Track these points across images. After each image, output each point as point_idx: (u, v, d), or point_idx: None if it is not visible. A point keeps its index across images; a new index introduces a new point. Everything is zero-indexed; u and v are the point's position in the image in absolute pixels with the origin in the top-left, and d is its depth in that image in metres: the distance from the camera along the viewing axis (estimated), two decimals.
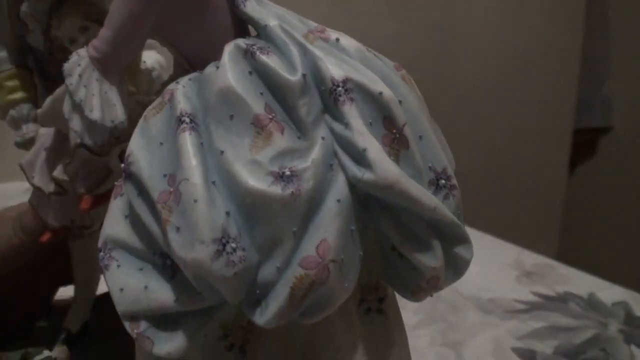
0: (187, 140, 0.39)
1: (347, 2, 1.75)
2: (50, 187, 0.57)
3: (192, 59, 0.46)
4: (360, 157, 0.39)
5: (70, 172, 0.55)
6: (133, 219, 0.41)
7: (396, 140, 0.40)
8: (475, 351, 0.86)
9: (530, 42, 2.12)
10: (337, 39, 0.44)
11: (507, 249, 1.24)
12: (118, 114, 0.47)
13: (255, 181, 0.37)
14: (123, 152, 0.45)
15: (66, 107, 0.46)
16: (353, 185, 0.39)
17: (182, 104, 0.41)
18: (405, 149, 0.40)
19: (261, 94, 0.41)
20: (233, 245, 0.36)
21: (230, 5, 0.46)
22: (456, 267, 0.43)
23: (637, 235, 2.36)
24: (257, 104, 0.40)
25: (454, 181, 0.42)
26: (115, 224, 0.41)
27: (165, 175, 0.39)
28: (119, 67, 0.46)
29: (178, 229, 0.37)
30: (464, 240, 0.43)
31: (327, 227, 0.36)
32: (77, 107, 0.45)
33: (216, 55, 0.43)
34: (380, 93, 0.40)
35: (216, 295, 0.37)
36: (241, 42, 0.44)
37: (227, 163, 0.38)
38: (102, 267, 0.41)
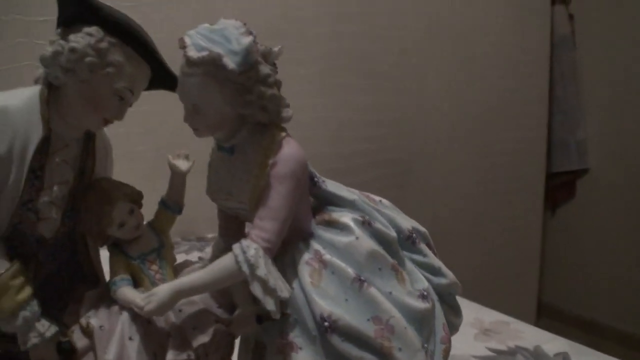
0: (376, 293, 0.66)
1: (325, 77, 1.91)
2: None
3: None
4: (437, 272, 0.75)
5: (202, 351, 0.68)
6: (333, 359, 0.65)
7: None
8: None
9: (498, 97, 2.33)
10: (380, 200, 0.78)
11: (469, 307, 1.45)
12: (286, 285, 0.66)
13: (418, 303, 0.68)
14: None
15: (258, 292, 0.63)
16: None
17: (350, 269, 0.67)
18: None
19: (380, 246, 0.69)
20: (426, 345, 0.67)
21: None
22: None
23: (617, 272, 2.57)
24: (388, 257, 0.69)
25: None
26: None
27: (369, 319, 0.65)
28: None
29: (400, 349, 0.64)
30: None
31: (441, 315, 0.73)
32: (271, 291, 0.64)
33: (302, 223, 0.70)
34: (425, 231, 0.77)
35: None
36: (356, 215, 0.71)
37: (399, 298, 0.67)
38: None
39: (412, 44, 2.08)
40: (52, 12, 1.43)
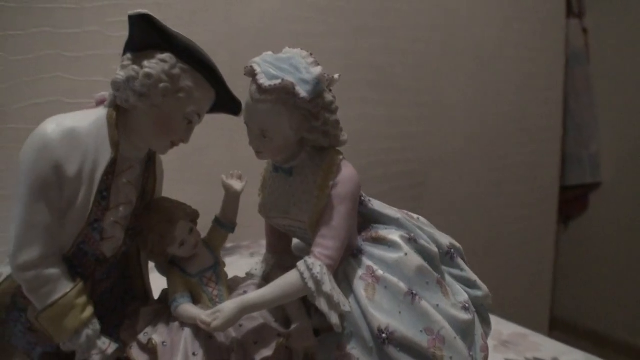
0: (427, 305, 0.72)
1: (343, 91, 1.97)
2: None
3: None
4: (473, 285, 0.83)
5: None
6: None
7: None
8: None
9: (512, 110, 2.38)
10: (418, 218, 0.83)
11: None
12: (346, 300, 0.72)
13: (462, 314, 0.74)
14: None
15: (324, 307, 0.69)
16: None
17: (403, 284, 0.72)
18: None
19: (425, 262, 0.76)
20: (472, 353, 0.73)
21: None
22: None
23: (630, 286, 2.62)
24: (433, 271, 0.75)
25: None
26: None
27: (422, 331, 0.70)
28: None
29: (451, 358, 0.70)
30: None
31: (479, 326, 0.80)
32: (335, 306, 0.70)
33: (352, 240, 0.76)
34: (460, 247, 0.84)
35: None
36: (402, 233, 0.77)
37: (445, 310, 0.73)
38: None
39: (429, 57, 2.13)
40: (78, 25, 1.51)
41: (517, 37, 2.33)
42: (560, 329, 2.80)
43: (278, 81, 0.67)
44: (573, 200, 2.76)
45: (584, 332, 2.73)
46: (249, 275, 0.84)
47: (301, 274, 0.69)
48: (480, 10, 2.22)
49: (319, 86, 0.69)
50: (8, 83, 1.50)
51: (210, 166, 1.70)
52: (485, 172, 2.37)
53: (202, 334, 0.72)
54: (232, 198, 0.81)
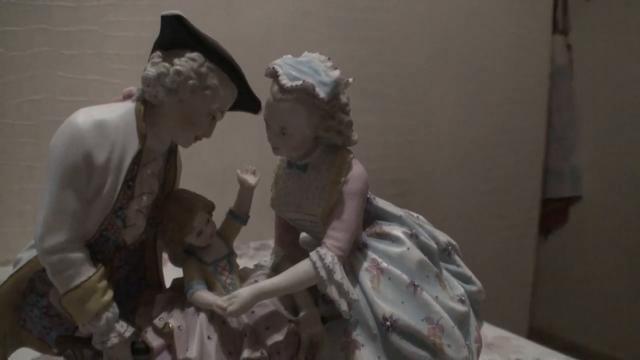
0: (428, 296, 0.78)
1: None
2: None
3: None
4: (468, 280, 0.91)
5: (275, 349, 0.77)
6: (392, 355, 0.77)
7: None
8: None
9: (497, 123, 2.47)
10: (418, 216, 0.90)
11: None
12: (354, 289, 0.78)
13: (459, 306, 0.81)
14: None
15: (334, 294, 0.75)
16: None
17: (405, 276, 0.79)
18: None
19: (425, 256, 0.82)
20: (467, 342, 0.80)
21: None
22: None
23: (607, 298, 2.71)
24: (432, 266, 0.82)
25: None
26: None
27: (422, 320, 0.77)
28: None
29: (449, 345, 0.77)
30: None
31: (473, 319, 0.87)
32: (345, 294, 0.76)
33: (357, 235, 0.81)
34: (456, 244, 0.92)
35: None
36: (405, 229, 0.84)
37: (444, 301, 0.80)
38: None
39: (418, 69, 2.22)
40: (77, 23, 1.55)
41: (505, 52, 2.43)
42: (538, 339, 2.86)
43: (299, 82, 0.73)
44: (553, 213, 2.86)
45: (561, 343, 2.80)
46: (259, 267, 0.89)
47: (313, 263, 0.75)
48: (468, 25, 2.32)
49: (337, 88, 0.76)
50: (5, 79, 1.54)
51: (201, 167, 1.76)
52: (470, 183, 2.46)
53: (217, 319, 0.77)
54: (246, 192, 0.86)
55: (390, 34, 2.12)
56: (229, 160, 1.84)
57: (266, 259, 0.90)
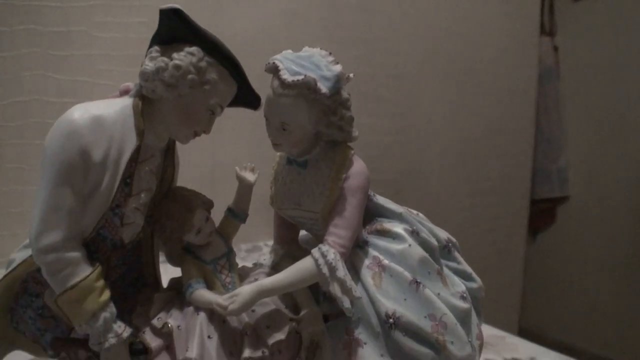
0: (430, 293, 0.78)
1: None
2: None
3: None
4: (469, 277, 0.89)
5: (276, 348, 0.76)
6: (395, 353, 0.76)
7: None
8: None
9: (486, 124, 2.48)
10: (417, 213, 0.89)
11: None
12: (356, 286, 0.77)
13: (461, 303, 0.80)
14: None
15: (337, 291, 0.74)
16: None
17: (407, 273, 0.78)
18: None
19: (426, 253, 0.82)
20: (470, 339, 0.79)
21: None
22: None
23: (596, 298, 2.72)
24: (434, 263, 0.81)
25: None
26: None
27: (425, 317, 0.76)
28: None
29: (452, 342, 0.76)
30: None
31: (475, 315, 0.86)
32: (347, 291, 0.75)
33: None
34: (456, 241, 0.90)
35: None
36: (406, 226, 0.83)
37: (446, 298, 0.79)
38: None
39: (407, 70, 2.22)
40: (65, 24, 1.53)
41: (493, 53, 2.44)
42: (527, 339, 2.87)
43: (301, 77, 0.72)
44: (541, 214, 2.86)
45: (550, 343, 2.80)
46: (258, 265, 0.88)
47: (316, 260, 0.73)
48: (458, 27, 2.32)
49: (339, 83, 0.75)
50: None
51: (191, 167, 1.73)
52: (459, 184, 2.46)
53: (217, 318, 0.76)
54: (245, 189, 0.85)
55: (381, 35, 2.12)
56: (219, 160, 1.82)
57: (265, 257, 0.89)
